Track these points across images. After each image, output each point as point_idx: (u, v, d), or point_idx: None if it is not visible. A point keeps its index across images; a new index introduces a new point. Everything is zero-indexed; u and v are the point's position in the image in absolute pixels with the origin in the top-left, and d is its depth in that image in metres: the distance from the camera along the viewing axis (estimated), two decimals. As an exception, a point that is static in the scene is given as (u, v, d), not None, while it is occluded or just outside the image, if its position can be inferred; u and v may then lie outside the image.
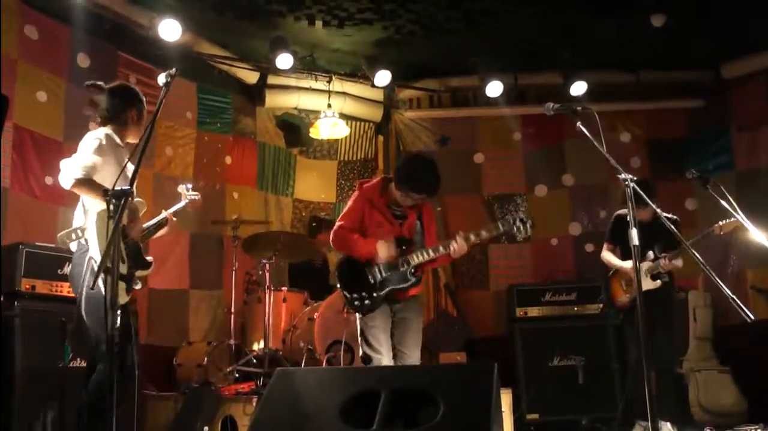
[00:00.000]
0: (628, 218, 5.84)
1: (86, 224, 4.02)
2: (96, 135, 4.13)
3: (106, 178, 3.90)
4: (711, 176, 5.55)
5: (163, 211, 4.69)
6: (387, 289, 4.72)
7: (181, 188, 4.95)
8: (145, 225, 4.43)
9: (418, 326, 4.90)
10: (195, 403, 5.59)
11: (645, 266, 5.78)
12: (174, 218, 4.68)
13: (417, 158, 5.02)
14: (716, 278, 3.75)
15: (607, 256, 6.13)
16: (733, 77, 8.12)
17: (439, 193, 4.96)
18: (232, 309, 6.78)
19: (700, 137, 8.30)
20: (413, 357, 4.82)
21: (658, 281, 5.79)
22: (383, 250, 4.68)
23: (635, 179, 5.75)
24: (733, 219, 5.31)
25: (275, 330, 6.78)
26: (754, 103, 7.95)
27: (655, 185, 5.86)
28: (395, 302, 4.79)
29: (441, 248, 4.74)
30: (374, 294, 4.69)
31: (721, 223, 5.59)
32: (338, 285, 4.88)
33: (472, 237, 4.71)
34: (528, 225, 4.74)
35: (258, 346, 6.72)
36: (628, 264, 5.87)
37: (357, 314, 4.82)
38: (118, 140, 4.23)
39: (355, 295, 4.70)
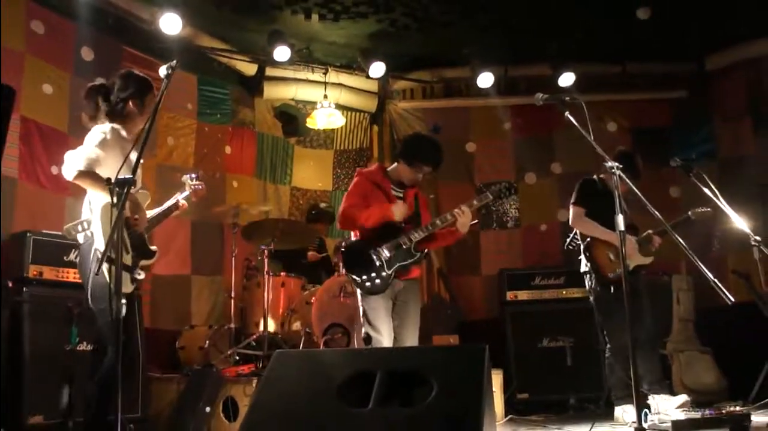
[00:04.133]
0: (596, 184, 5.89)
1: (92, 217, 4.06)
2: (101, 129, 4.13)
3: (111, 171, 3.82)
4: (694, 164, 5.62)
5: (177, 195, 4.77)
6: (395, 266, 4.83)
7: (185, 178, 4.99)
8: (150, 215, 4.48)
9: (416, 309, 5.04)
10: (197, 385, 5.64)
11: (633, 240, 5.71)
12: (185, 204, 4.76)
13: (423, 136, 5.24)
14: (698, 261, 3.86)
15: (588, 222, 5.75)
16: (716, 69, 8.27)
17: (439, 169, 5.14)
18: (232, 294, 6.83)
19: (683, 126, 8.43)
20: (412, 339, 4.94)
21: (651, 257, 5.76)
22: (398, 209, 4.83)
23: (621, 149, 5.83)
24: (707, 209, 5.43)
25: (274, 314, 6.87)
26: (736, 94, 8.09)
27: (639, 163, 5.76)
28: (398, 281, 4.90)
29: (438, 222, 4.90)
30: (383, 273, 4.79)
31: (698, 210, 5.65)
32: (344, 271, 4.98)
33: (470, 206, 4.89)
34: (511, 191, 5.17)
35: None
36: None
37: (358, 296, 4.91)
38: (124, 134, 4.22)
39: (364, 277, 4.79)
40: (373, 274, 4.81)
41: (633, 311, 5.56)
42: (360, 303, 4.92)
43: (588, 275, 5.80)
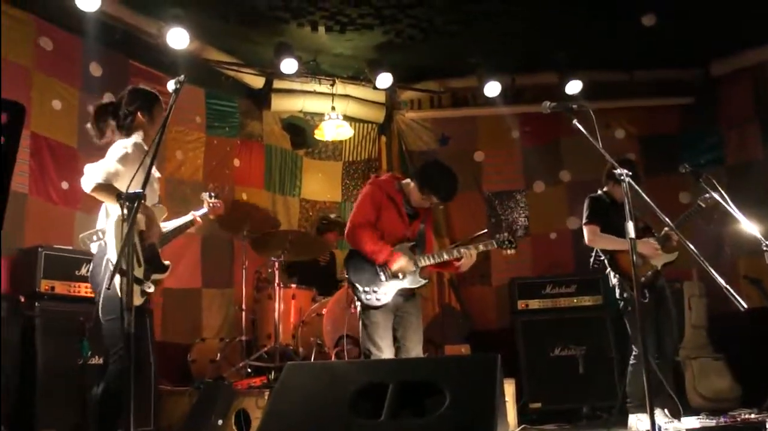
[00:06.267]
0: (606, 199, 5.93)
1: (106, 227, 4.09)
2: (123, 144, 4.17)
3: (132, 186, 3.86)
4: (703, 170, 5.67)
5: (192, 212, 4.83)
6: (398, 288, 4.85)
7: (204, 196, 5.08)
8: (166, 229, 4.53)
9: (419, 320, 5.04)
10: (209, 397, 5.64)
11: (652, 240, 5.68)
12: (200, 221, 4.84)
13: (443, 167, 5.07)
14: (708, 266, 3.84)
15: (605, 237, 5.72)
16: (722, 74, 8.26)
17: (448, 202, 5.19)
18: (243, 306, 6.84)
19: (691, 132, 8.40)
20: (416, 350, 4.94)
21: (675, 252, 5.70)
22: (400, 264, 4.82)
23: (622, 157, 5.84)
24: (714, 196, 5.37)
25: (285, 326, 6.85)
26: (743, 99, 8.09)
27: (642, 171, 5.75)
28: (398, 296, 4.90)
29: (445, 255, 4.96)
30: (385, 291, 4.81)
31: (707, 196, 5.52)
32: (346, 277, 4.95)
33: (476, 249, 4.96)
34: (514, 245, 5.13)
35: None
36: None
37: (358, 309, 4.90)
38: (146, 148, 4.21)
39: (366, 289, 4.80)
40: (375, 289, 4.82)
41: (661, 317, 5.67)
42: (360, 316, 4.91)
43: (619, 287, 5.74)
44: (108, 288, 3.69)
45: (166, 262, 4.38)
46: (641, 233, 5.68)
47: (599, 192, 6.01)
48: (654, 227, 5.81)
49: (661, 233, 5.73)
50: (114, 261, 3.83)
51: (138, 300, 4.06)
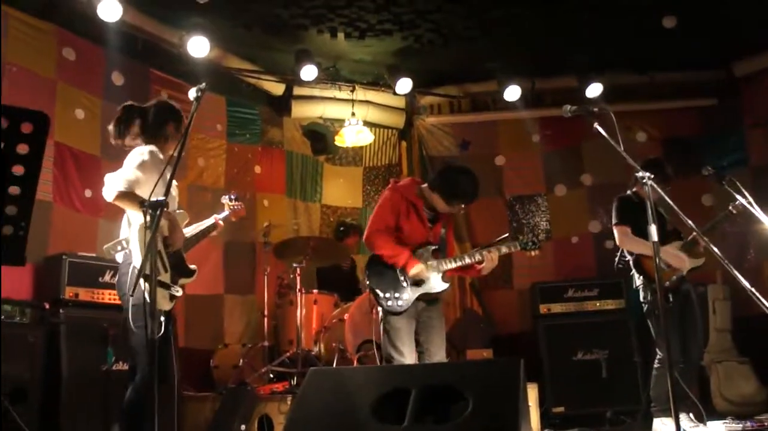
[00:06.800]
0: (634, 199, 5.89)
1: (130, 235, 4.10)
2: (140, 151, 4.18)
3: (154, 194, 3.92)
4: (726, 172, 5.62)
5: (214, 216, 4.85)
6: (420, 292, 4.82)
7: (224, 199, 5.09)
8: (189, 234, 4.54)
9: (442, 325, 5.00)
10: (232, 403, 5.66)
11: (677, 246, 5.67)
12: (222, 224, 4.86)
13: (462, 172, 5.03)
14: (732, 268, 3.80)
15: (636, 240, 5.60)
16: (745, 75, 8.16)
17: None
18: (265, 312, 6.87)
19: (714, 134, 8.31)
20: (439, 355, 4.90)
21: (702, 258, 5.66)
22: (417, 270, 4.78)
23: (649, 157, 5.81)
24: (744, 201, 5.30)
25: (307, 332, 6.85)
26: (766, 100, 7.99)
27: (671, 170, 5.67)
28: (420, 301, 4.87)
29: (467, 258, 4.91)
30: (405, 296, 4.77)
31: (738, 203, 5.34)
32: (368, 283, 4.92)
33: (498, 251, 4.92)
34: (538, 245, 5.05)
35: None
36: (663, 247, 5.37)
37: (379, 315, 4.87)
38: (161, 156, 4.25)
39: (387, 295, 4.76)
40: (397, 294, 4.79)
41: (687, 321, 5.65)
42: (381, 322, 4.86)
43: (643, 289, 5.71)
44: (131, 295, 3.76)
45: (192, 266, 4.39)
46: (669, 236, 5.67)
47: (628, 192, 5.97)
48: (682, 231, 5.76)
49: (688, 237, 5.69)
50: (139, 267, 3.81)
51: (167, 305, 4.09)
